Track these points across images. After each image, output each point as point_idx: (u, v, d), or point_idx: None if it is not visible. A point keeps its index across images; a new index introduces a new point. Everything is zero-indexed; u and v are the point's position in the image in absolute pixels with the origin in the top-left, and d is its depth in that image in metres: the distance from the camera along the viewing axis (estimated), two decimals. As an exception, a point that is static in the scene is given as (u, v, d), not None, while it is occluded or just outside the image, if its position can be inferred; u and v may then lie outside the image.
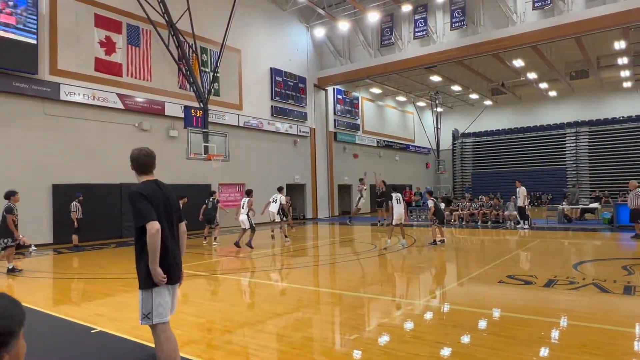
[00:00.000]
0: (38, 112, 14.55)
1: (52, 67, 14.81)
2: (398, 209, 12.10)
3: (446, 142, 39.44)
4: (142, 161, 3.57)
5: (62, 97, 14.93)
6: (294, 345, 4.65)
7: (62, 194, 14.61)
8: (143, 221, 3.27)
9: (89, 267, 10.49)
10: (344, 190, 29.28)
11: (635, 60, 26.81)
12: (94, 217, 14.67)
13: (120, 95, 16.52)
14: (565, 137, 34.98)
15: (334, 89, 27.86)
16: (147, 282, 3.34)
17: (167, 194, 3.57)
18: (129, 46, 17.00)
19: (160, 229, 3.28)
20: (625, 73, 29.06)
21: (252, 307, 6.24)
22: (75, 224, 13.37)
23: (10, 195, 9.25)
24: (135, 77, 17.18)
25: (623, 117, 32.57)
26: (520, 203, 17.30)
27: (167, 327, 3.48)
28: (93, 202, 14.74)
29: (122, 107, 16.59)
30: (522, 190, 17.11)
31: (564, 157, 34.81)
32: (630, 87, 31.87)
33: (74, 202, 13.53)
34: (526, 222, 17.29)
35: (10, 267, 9.38)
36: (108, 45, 16.34)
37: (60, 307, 6.66)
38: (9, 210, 9.08)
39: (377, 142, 32.40)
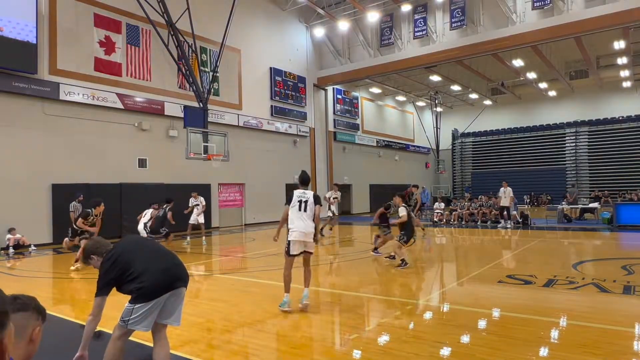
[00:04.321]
0: (37, 111, 14.54)
1: (51, 67, 14.80)
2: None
3: (446, 142, 39.44)
4: None
5: (62, 96, 14.91)
6: (294, 345, 4.65)
7: (61, 194, 14.59)
8: (96, 292, 3.43)
9: (88, 267, 10.46)
10: (344, 190, 29.23)
11: (635, 60, 26.80)
12: (93, 217, 14.65)
13: (119, 95, 16.51)
14: (564, 137, 34.98)
15: (333, 88, 27.85)
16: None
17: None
18: (129, 46, 16.99)
19: (97, 315, 3.42)
20: (624, 73, 29.06)
21: (251, 307, 6.23)
22: (73, 223, 13.36)
23: (170, 200, 12.50)
24: (135, 77, 17.17)
25: (622, 116, 32.57)
26: (506, 203, 17.62)
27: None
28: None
29: (122, 106, 16.57)
30: (508, 191, 17.40)
31: (564, 157, 34.82)
32: (630, 86, 31.86)
33: (73, 202, 13.53)
34: (509, 221, 17.65)
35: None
36: (107, 45, 16.33)
37: (59, 307, 6.66)
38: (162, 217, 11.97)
39: (377, 141, 32.39)
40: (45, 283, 8.95)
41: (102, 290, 3.43)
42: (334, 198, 16.05)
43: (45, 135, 14.69)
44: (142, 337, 4.61)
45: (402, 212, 9.47)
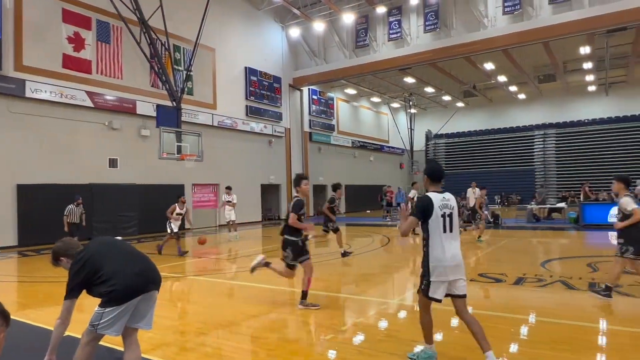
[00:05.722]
0: (2, 109, 14.00)
1: (17, 63, 14.28)
2: None
3: (420, 143, 39.97)
4: None
5: (28, 94, 14.41)
6: (269, 347, 4.62)
7: (27, 195, 14.12)
8: (65, 295, 3.33)
9: (56, 270, 10.14)
10: (319, 191, 29.30)
11: (599, 65, 27.79)
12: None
13: (89, 93, 16.06)
14: (533, 139, 35.95)
15: (309, 89, 27.86)
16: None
17: None
18: (99, 43, 16.55)
19: (66, 319, 3.35)
20: (589, 77, 30.11)
21: (226, 309, 6.16)
22: (65, 227, 12.71)
23: (336, 188, 11.00)
24: (105, 75, 16.75)
25: (588, 119, 33.74)
26: (472, 204, 17.56)
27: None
28: (61, 202, 14.16)
29: (92, 105, 16.13)
30: (477, 192, 17.29)
31: (533, 158, 35.79)
32: (595, 90, 33.06)
33: (70, 206, 12.79)
34: (474, 222, 17.51)
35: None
36: (77, 42, 15.87)
37: (25, 311, 6.42)
38: (331, 201, 10.94)
39: (352, 142, 32.58)
40: (11, 287, 8.62)
41: (71, 293, 3.32)
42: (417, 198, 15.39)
43: (10, 134, 14.15)
44: (112, 341, 4.49)
45: (631, 204, 5.84)
